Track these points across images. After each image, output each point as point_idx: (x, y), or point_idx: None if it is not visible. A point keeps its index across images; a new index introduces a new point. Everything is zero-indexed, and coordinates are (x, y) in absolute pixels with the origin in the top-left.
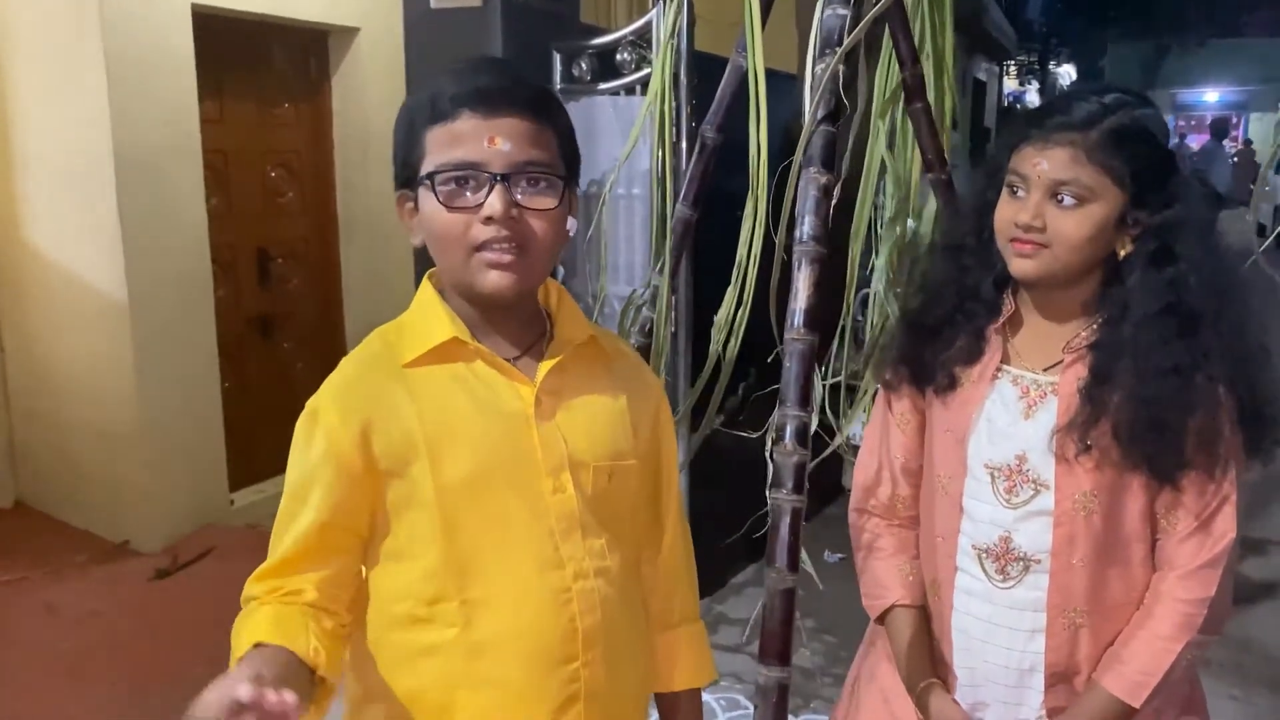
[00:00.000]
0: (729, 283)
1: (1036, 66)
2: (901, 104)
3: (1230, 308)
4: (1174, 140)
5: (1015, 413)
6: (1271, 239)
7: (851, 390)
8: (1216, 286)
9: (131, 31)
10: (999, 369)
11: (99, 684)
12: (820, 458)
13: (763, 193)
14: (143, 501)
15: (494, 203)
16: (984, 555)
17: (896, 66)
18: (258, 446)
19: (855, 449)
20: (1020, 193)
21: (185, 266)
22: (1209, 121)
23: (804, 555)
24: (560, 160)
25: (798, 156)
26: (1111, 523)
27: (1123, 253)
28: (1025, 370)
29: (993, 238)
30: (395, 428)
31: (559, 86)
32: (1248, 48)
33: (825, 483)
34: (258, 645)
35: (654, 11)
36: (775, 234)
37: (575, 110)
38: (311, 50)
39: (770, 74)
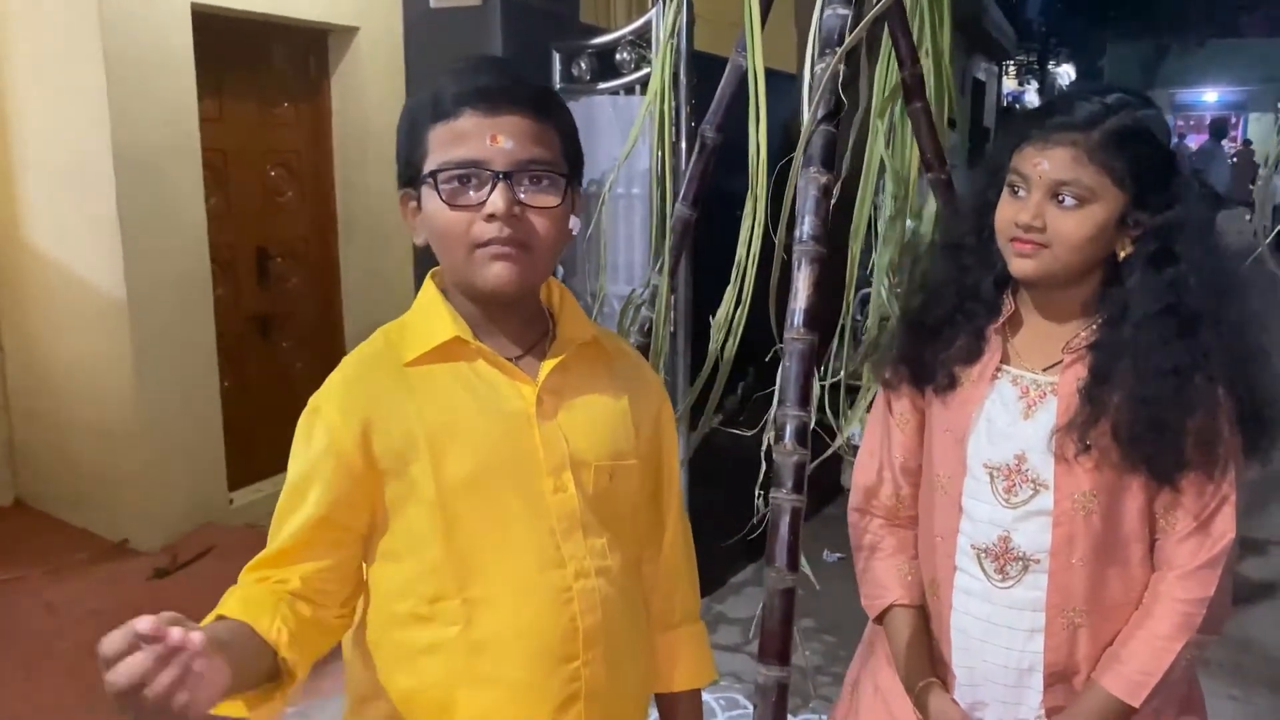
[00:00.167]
0: (728, 282)
1: (1036, 66)
2: (900, 103)
3: (1230, 309)
4: (1174, 140)
5: (1015, 412)
6: (1271, 238)
7: (851, 390)
8: (1216, 288)
9: (131, 31)
10: (999, 369)
11: (98, 683)
12: (820, 459)
13: (762, 192)
14: (142, 500)
15: (496, 201)
16: (983, 555)
17: (896, 66)
18: (257, 446)
19: (855, 449)
20: (1021, 192)
21: (184, 266)
22: (1208, 121)
23: (801, 556)
24: (563, 159)
25: (798, 156)
26: (1111, 523)
27: (1123, 253)
28: (1025, 370)
29: (993, 237)
30: (396, 426)
31: (558, 86)
32: (1247, 48)
33: (824, 482)
34: (220, 618)
35: (653, 11)
36: (775, 233)
37: (575, 110)
38: (311, 50)
39: (769, 73)
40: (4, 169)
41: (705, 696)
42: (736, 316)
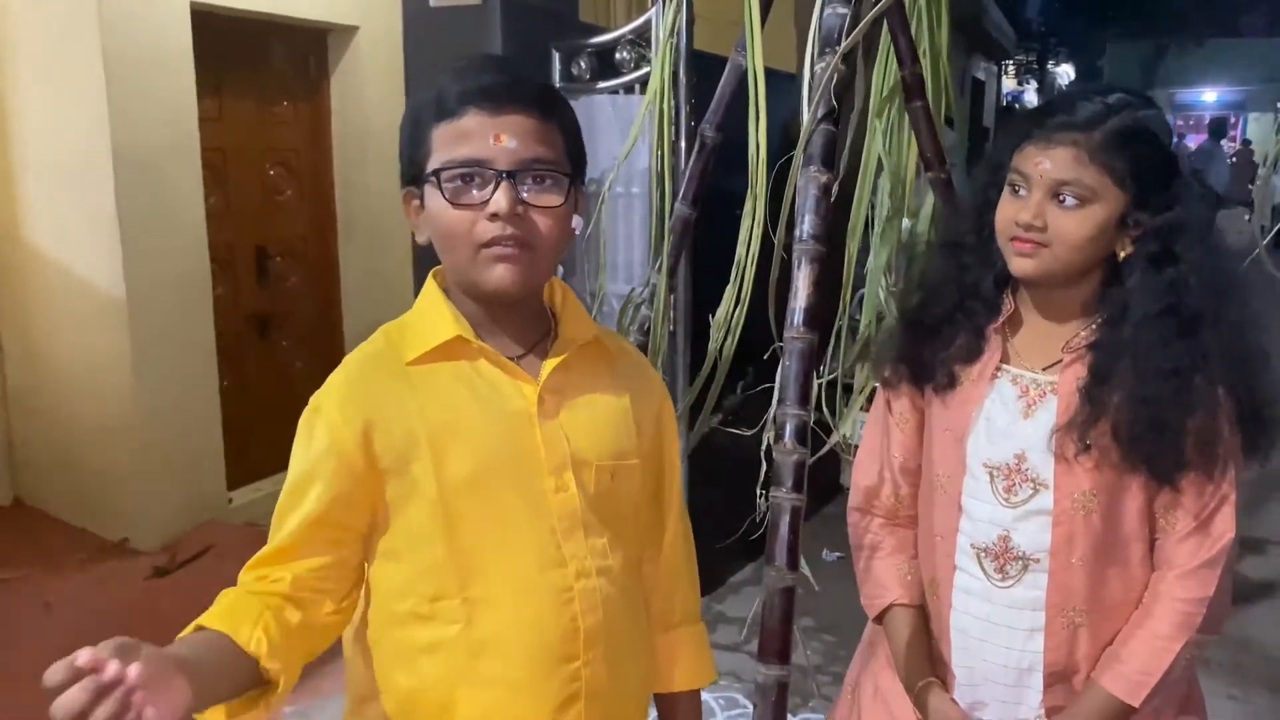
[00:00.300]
0: (728, 281)
1: (1035, 66)
2: (899, 102)
3: (1230, 309)
4: (1174, 140)
5: (1014, 412)
6: (1270, 237)
7: (848, 389)
8: (1216, 288)
9: (130, 30)
10: (998, 368)
11: None
12: (816, 456)
13: (762, 191)
14: (141, 499)
15: (500, 199)
16: (983, 554)
17: (895, 65)
18: (256, 445)
19: (850, 447)
20: (1022, 192)
21: (184, 265)
22: (1207, 121)
23: (800, 554)
24: (566, 158)
25: (798, 155)
26: (1110, 522)
27: (1123, 253)
28: (1024, 370)
29: (993, 236)
30: (397, 426)
31: (558, 85)
32: (1246, 48)
33: (823, 481)
34: (200, 629)
35: (653, 10)
36: (774, 233)
37: (574, 109)
38: (310, 49)
39: (769, 73)
40: (3, 168)
41: (704, 696)
42: (736, 315)
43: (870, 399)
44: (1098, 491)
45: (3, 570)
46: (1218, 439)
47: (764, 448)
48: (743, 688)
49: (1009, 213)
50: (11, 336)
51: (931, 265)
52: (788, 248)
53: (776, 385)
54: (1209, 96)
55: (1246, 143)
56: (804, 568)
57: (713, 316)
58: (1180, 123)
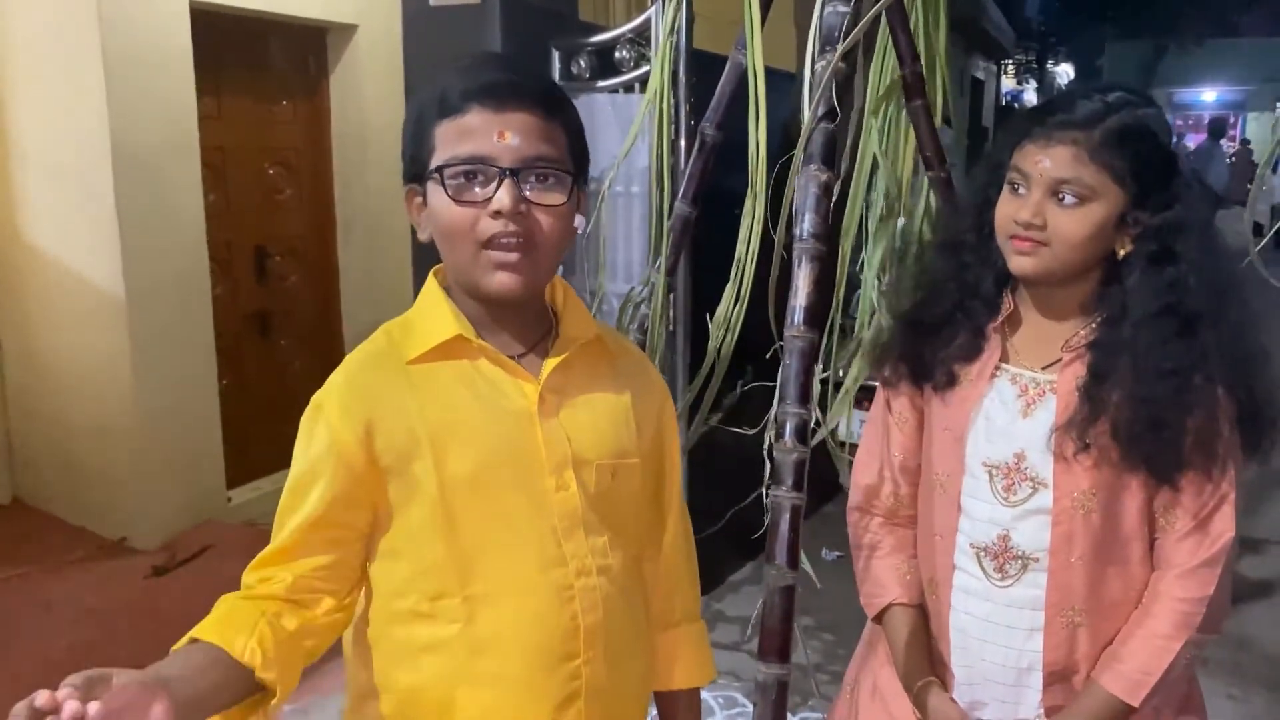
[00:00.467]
0: (726, 280)
1: (1034, 65)
2: (897, 101)
3: (1229, 309)
4: (1173, 140)
5: (1013, 411)
6: (1269, 237)
7: (842, 386)
8: (1216, 287)
9: (130, 29)
10: (998, 367)
11: None
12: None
13: (762, 190)
14: (140, 498)
15: (502, 197)
16: (982, 554)
17: (892, 64)
18: (255, 444)
19: (842, 444)
20: (1021, 190)
21: (183, 264)
22: (1206, 121)
23: (802, 554)
24: (569, 156)
25: (798, 154)
26: (1110, 521)
27: (1122, 252)
28: (1024, 369)
29: (993, 235)
30: (398, 425)
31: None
32: (1245, 47)
33: (823, 480)
34: (193, 641)
35: (653, 9)
36: (774, 232)
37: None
38: (310, 47)
39: (768, 72)
40: (3, 167)
41: (703, 695)
42: (735, 314)
43: (857, 396)
44: (1097, 490)
45: (2, 569)
46: (1217, 438)
47: (765, 447)
48: (742, 687)
49: (1008, 211)
50: (11, 335)
51: (931, 264)
52: (787, 246)
53: (778, 384)
54: (1208, 96)
55: (1245, 142)
56: (805, 565)
57: (712, 316)
58: (1179, 122)
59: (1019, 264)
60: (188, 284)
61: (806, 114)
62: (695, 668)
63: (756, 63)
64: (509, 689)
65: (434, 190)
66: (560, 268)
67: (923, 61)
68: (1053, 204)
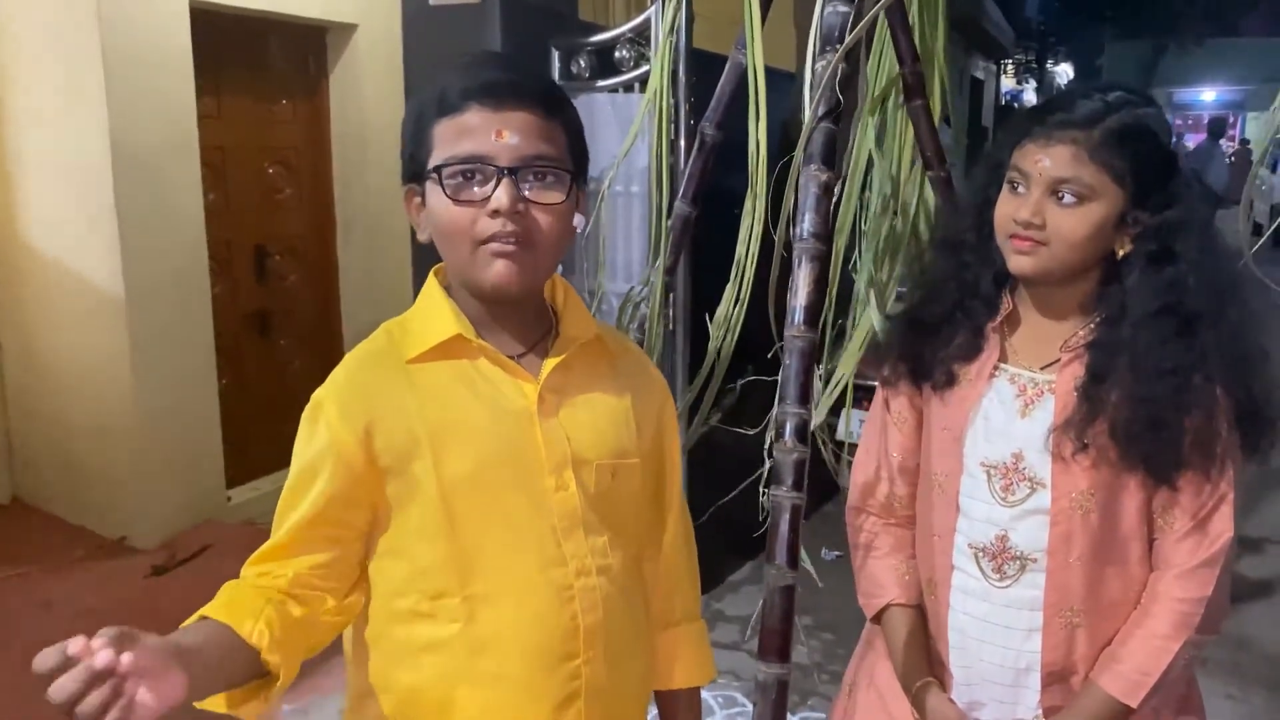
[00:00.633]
0: (725, 280)
1: (1034, 65)
2: (895, 101)
3: (1229, 308)
4: (1173, 139)
5: (1012, 411)
6: (1268, 237)
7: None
8: (1215, 287)
9: (130, 28)
10: (996, 367)
11: None
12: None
13: (763, 189)
14: (140, 498)
15: (501, 196)
16: (980, 554)
17: (890, 63)
18: (255, 443)
19: (841, 444)
20: (1021, 189)
21: (182, 263)
22: (1206, 121)
23: (803, 553)
24: (568, 155)
25: (798, 153)
26: (1108, 521)
27: (1122, 252)
28: (1023, 369)
29: (993, 234)
30: (397, 424)
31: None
32: (1245, 47)
33: (822, 480)
34: (203, 619)
35: (652, 9)
36: (774, 232)
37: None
38: (309, 47)
39: (768, 72)
40: (3, 167)
41: (703, 694)
42: (736, 314)
43: (857, 396)
44: (1095, 491)
45: (2, 569)
46: (1216, 438)
47: (766, 446)
48: (741, 686)
49: (1008, 210)
50: (10, 335)
51: (931, 264)
52: (787, 246)
53: (779, 383)
54: (1208, 96)
55: (1245, 142)
56: (807, 564)
57: (712, 315)
58: (1179, 122)
59: (1018, 263)
60: (187, 283)
61: (807, 114)
62: (695, 667)
63: (757, 62)
64: (509, 689)
65: (432, 190)
66: (560, 267)
67: (921, 61)
68: (1052, 203)
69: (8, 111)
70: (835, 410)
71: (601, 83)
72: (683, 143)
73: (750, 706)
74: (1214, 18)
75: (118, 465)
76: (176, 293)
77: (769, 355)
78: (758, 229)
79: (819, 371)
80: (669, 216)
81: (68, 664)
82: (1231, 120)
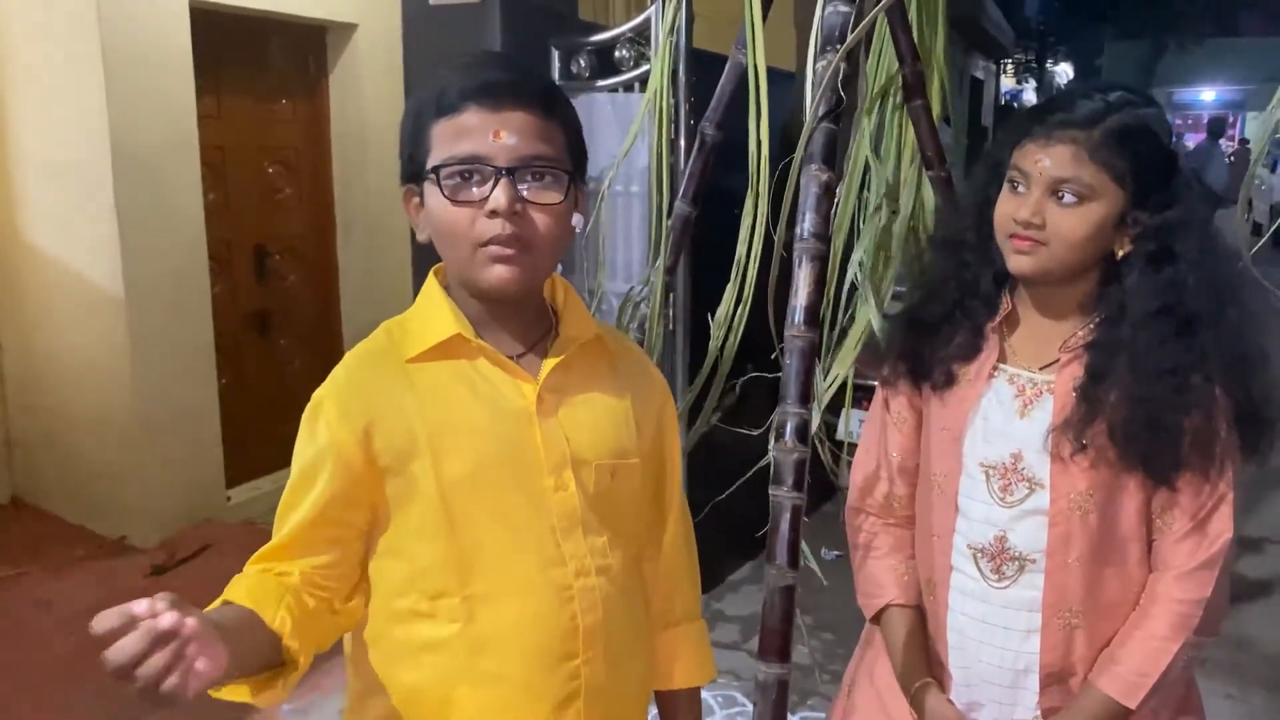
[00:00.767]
0: (725, 280)
1: (1034, 65)
2: (894, 101)
3: (1228, 309)
4: (1173, 138)
5: (1010, 411)
6: (1268, 237)
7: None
8: (1215, 288)
9: (129, 27)
10: (995, 367)
11: (95, 680)
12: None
13: (764, 190)
14: (139, 497)
15: (499, 197)
16: (979, 554)
17: (890, 63)
18: (254, 443)
19: (840, 444)
20: (1021, 189)
21: (182, 262)
22: (1205, 121)
23: (806, 551)
24: (566, 155)
25: (799, 153)
26: (1107, 522)
27: (1121, 252)
28: (1022, 369)
29: (993, 234)
30: (397, 424)
31: (557, 83)
32: (1245, 47)
33: (822, 480)
34: (226, 603)
35: (652, 9)
36: (774, 231)
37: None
38: (309, 47)
39: (768, 71)
40: (2, 166)
41: (703, 694)
42: (737, 314)
43: (857, 396)
44: (1094, 491)
45: (1, 568)
46: (1215, 439)
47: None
48: (741, 686)
49: (1008, 210)
50: (10, 334)
51: (931, 263)
52: (787, 246)
53: (780, 383)
54: (1207, 96)
55: (1244, 142)
56: (811, 562)
57: (712, 315)
58: (1179, 122)
59: (1017, 263)
60: (187, 283)
61: (808, 113)
62: (695, 667)
63: (758, 62)
64: (508, 688)
65: (431, 190)
66: (559, 266)
67: (921, 60)
68: (1052, 203)
69: (8, 111)
70: (834, 410)
71: (601, 82)
72: (683, 142)
73: (750, 706)
74: (1214, 17)
75: (117, 465)
76: (176, 292)
77: (771, 357)
78: (759, 229)
79: (819, 371)
80: (669, 216)
81: (129, 625)
82: (1231, 120)
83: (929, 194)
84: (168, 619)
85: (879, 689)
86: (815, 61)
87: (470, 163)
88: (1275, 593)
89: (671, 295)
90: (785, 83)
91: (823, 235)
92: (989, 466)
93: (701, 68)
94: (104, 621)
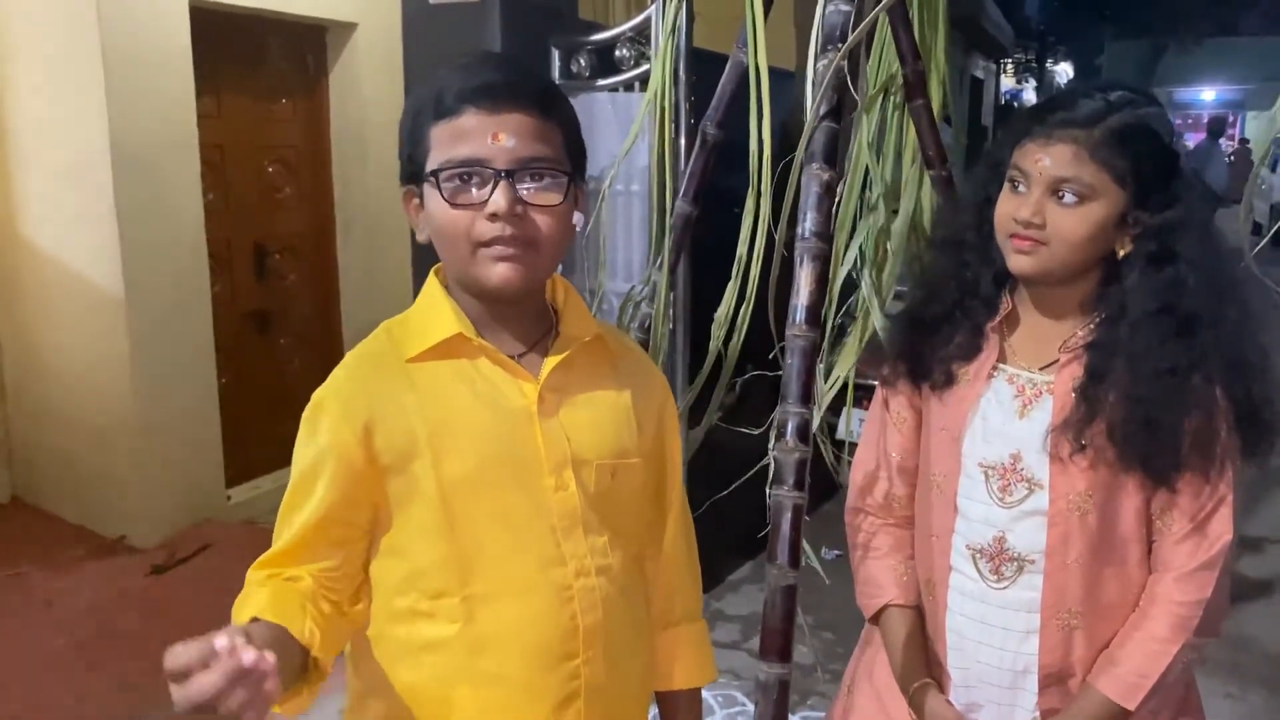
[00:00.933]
0: (725, 279)
1: (1034, 64)
2: (894, 100)
3: (1229, 309)
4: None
5: (1010, 411)
6: (1269, 237)
7: (845, 385)
8: (1216, 287)
9: (129, 26)
10: (995, 367)
11: (95, 679)
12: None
13: (766, 189)
14: (139, 497)
15: (498, 199)
16: (978, 555)
17: (889, 62)
18: (254, 442)
19: (841, 444)
20: (1021, 188)
21: (182, 261)
22: (1205, 120)
23: (807, 551)
24: (565, 156)
25: (799, 152)
26: (1107, 523)
27: (1122, 252)
28: (1021, 369)
29: (993, 234)
30: (397, 423)
31: (557, 83)
32: (1245, 46)
33: (822, 479)
34: (254, 620)
35: (653, 8)
36: (775, 230)
37: (573, 106)
38: (309, 45)
39: (769, 70)
40: (3, 166)
41: (703, 693)
42: (739, 313)
43: (857, 395)
44: (1093, 492)
45: (1, 568)
46: (1215, 440)
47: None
48: (741, 685)
49: (1008, 209)
50: (10, 333)
51: (931, 263)
52: (788, 245)
53: (782, 383)
54: (1207, 95)
55: (1244, 142)
56: (812, 560)
57: (711, 315)
58: (1179, 122)
59: (1018, 263)
60: (187, 282)
61: (809, 112)
62: (695, 668)
63: (760, 61)
64: (508, 688)
65: (430, 192)
66: (560, 266)
67: (922, 59)
68: (1052, 203)
69: (7, 110)
70: (835, 409)
71: (601, 82)
72: (683, 141)
73: (750, 706)
74: (1214, 17)
75: (117, 464)
76: (176, 291)
77: (769, 356)
78: (762, 228)
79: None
80: (670, 215)
81: (207, 660)
82: (1231, 120)
83: (928, 195)
84: (249, 656)
85: (878, 689)
86: (816, 61)
87: (469, 165)
88: (1275, 592)
89: (672, 294)
90: (785, 82)
91: (824, 234)
92: (988, 467)
93: (702, 67)
94: (181, 657)
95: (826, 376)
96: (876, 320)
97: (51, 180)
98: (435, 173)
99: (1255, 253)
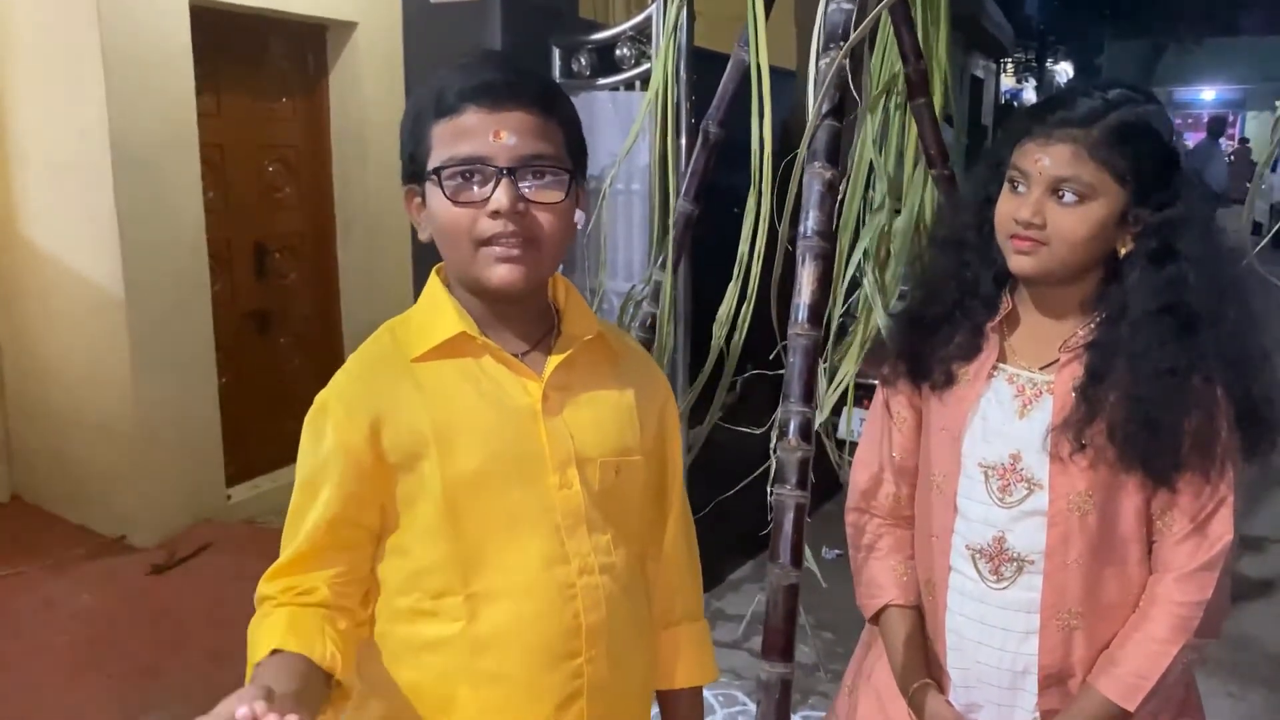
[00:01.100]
0: (726, 278)
1: (1034, 64)
2: (895, 99)
3: (1230, 308)
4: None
5: (1010, 411)
6: (1269, 237)
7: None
8: (1217, 287)
9: (129, 25)
10: (995, 367)
11: (96, 678)
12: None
13: (767, 188)
14: (139, 496)
15: (500, 197)
16: (978, 555)
17: (890, 61)
18: (254, 442)
19: (842, 443)
20: (1021, 188)
21: (182, 261)
22: (1205, 120)
23: (807, 550)
24: (566, 153)
25: (802, 151)
26: (1107, 523)
27: (1123, 251)
28: (1021, 369)
29: (994, 233)
30: (403, 423)
31: (558, 82)
32: (1245, 46)
33: (823, 479)
34: (275, 651)
35: (653, 7)
36: (777, 228)
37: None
38: (309, 45)
39: (770, 69)
40: (3, 166)
41: (704, 692)
42: (741, 313)
43: (857, 395)
44: (1093, 492)
45: (1, 567)
46: (1215, 439)
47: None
48: (742, 685)
49: (1008, 209)
50: (9, 333)
51: (931, 262)
52: (790, 243)
53: (784, 382)
54: (1207, 95)
55: (1244, 141)
56: (811, 563)
57: (711, 314)
58: (1179, 121)
59: (1018, 263)
60: (187, 281)
61: (811, 111)
62: (697, 667)
63: (761, 61)
64: (510, 687)
65: (432, 191)
66: (561, 265)
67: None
68: (1053, 202)
69: (7, 110)
70: (835, 409)
71: (602, 81)
72: (684, 140)
73: (751, 705)
74: (1214, 17)
75: (117, 464)
76: (176, 291)
77: (770, 356)
78: (763, 227)
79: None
80: (671, 214)
81: None
82: (1231, 119)
83: (930, 194)
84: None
85: (878, 689)
86: (818, 59)
87: (471, 163)
88: (1276, 592)
89: (672, 293)
90: (786, 81)
91: (826, 233)
92: (988, 467)
93: (702, 66)
94: None
95: (829, 377)
96: (880, 319)
97: (52, 180)
98: (437, 171)
99: (1256, 252)
